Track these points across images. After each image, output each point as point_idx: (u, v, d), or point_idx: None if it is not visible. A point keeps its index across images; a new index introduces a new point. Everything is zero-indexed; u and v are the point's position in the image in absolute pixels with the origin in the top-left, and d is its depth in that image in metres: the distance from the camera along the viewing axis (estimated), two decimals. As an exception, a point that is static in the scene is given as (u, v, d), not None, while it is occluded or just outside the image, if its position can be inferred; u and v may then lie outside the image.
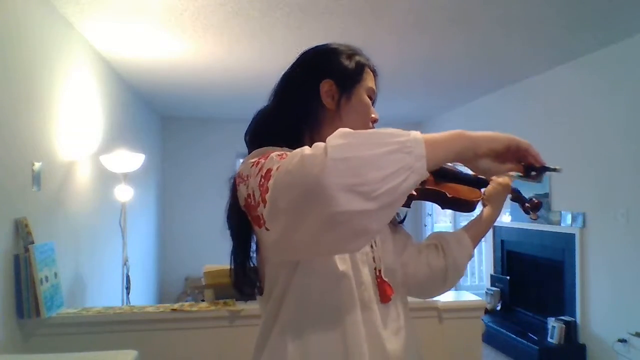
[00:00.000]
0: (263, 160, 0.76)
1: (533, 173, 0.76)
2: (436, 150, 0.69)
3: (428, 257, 1.02)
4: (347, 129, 0.67)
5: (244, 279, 0.89)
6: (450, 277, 1.01)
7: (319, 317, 0.82)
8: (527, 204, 1.12)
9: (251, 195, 0.76)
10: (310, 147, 0.75)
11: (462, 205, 1.05)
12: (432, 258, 1.02)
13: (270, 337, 0.85)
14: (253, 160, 0.80)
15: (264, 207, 0.70)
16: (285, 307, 0.83)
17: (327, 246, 0.69)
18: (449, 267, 1.01)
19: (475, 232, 1.06)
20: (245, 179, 0.80)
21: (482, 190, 1.08)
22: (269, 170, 0.72)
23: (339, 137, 0.65)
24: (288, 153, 0.74)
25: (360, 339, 0.82)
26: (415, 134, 0.68)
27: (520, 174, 0.77)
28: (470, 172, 0.94)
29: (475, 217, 1.09)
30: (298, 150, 0.67)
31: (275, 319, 0.84)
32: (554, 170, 0.77)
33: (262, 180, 0.72)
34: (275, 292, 0.84)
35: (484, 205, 1.08)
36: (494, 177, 1.04)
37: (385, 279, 0.91)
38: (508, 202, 1.13)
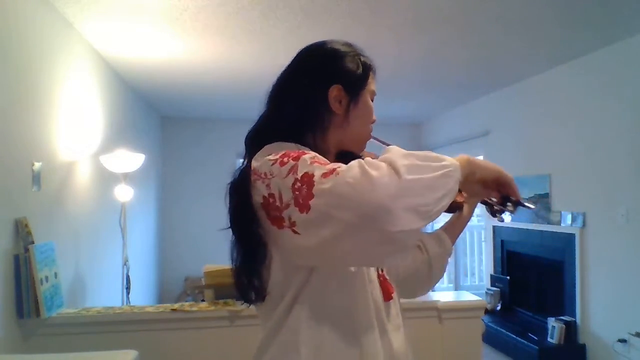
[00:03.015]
0: (292, 161, 0.75)
1: (509, 204, 0.92)
2: (466, 171, 0.79)
3: (413, 256, 1.05)
4: (399, 149, 0.73)
5: (249, 284, 0.85)
6: (434, 275, 1.05)
7: (333, 318, 0.81)
8: (495, 207, 1.14)
9: (275, 195, 0.75)
10: (316, 150, 0.83)
11: (450, 207, 1.07)
12: (417, 257, 1.05)
13: (277, 338, 0.83)
14: (273, 158, 0.78)
15: (300, 211, 0.70)
16: (297, 309, 0.81)
17: (370, 258, 0.75)
18: (433, 265, 1.04)
19: (454, 231, 1.10)
20: (264, 176, 0.78)
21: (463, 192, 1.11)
22: (308, 175, 0.71)
23: (403, 158, 0.69)
24: (320, 157, 0.76)
25: (375, 337, 0.83)
26: (451, 159, 0.76)
27: (499, 203, 0.93)
28: None
29: (452, 217, 1.13)
30: (354, 163, 0.70)
31: (285, 320, 0.82)
32: (527, 207, 0.92)
33: (299, 183, 0.71)
34: (287, 295, 0.82)
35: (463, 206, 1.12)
36: None
37: (387, 277, 0.93)
38: None
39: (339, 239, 0.68)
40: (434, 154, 0.74)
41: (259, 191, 0.79)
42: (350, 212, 0.66)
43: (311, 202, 0.69)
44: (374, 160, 0.70)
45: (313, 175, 0.71)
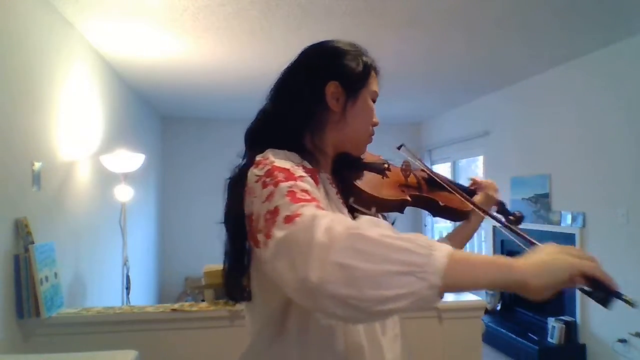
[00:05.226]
0: (271, 187, 0.72)
1: (601, 295, 0.65)
2: (462, 276, 0.59)
3: None
4: (369, 220, 0.63)
5: (235, 284, 0.87)
6: None
7: (322, 325, 0.80)
8: (510, 217, 1.16)
9: (253, 219, 0.74)
10: (313, 146, 0.84)
11: (453, 214, 1.07)
12: None
13: (273, 346, 0.82)
14: (258, 173, 0.76)
15: (266, 245, 0.67)
16: (291, 316, 0.80)
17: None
18: None
19: (460, 240, 1.06)
20: (251, 193, 0.76)
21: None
22: (275, 212, 0.68)
23: (349, 239, 0.59)
24: (300, 185, 0.71)
25: (362, 346, 0.80)
26: (440, 256, 0.58)
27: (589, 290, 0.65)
28: (462, 183, 0.98)
29: (459, 225, 1.09)
30: (310, 217, 0.63)
31: (281, 327, 0.81)
32: (627, 302, 0.64)
33: (269, 215, 0.69)
34: (275, 301, 0.81)
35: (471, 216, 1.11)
36: (484, 188, 1.09)
37: None
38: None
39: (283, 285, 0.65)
40: (411, 246, 0.59)
41: (247, 206, 0.78)
42: (281, 269, 0.63)
43: (269, 241, 0.66)
44: (341, 220, 0.62)
45: (278, 213, 0.67)
